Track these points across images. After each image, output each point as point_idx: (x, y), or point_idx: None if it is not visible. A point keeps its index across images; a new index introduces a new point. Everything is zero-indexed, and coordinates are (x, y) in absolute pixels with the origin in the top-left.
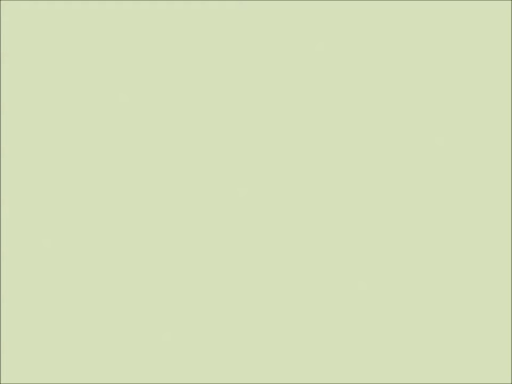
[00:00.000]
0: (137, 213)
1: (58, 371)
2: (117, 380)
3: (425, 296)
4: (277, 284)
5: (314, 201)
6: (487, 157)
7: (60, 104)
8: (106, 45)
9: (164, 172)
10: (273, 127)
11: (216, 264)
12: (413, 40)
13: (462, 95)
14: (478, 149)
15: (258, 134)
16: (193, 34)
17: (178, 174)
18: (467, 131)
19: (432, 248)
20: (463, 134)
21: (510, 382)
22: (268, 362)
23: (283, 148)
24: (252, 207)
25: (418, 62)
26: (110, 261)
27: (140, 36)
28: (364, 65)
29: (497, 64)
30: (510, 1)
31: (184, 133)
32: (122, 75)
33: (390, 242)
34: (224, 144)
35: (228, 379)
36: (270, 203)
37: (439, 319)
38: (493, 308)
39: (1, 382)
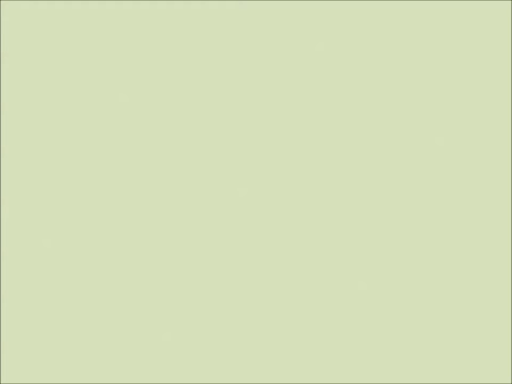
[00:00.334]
0: (137, 213)
1: (58, 371)
2: (117, 380)
3: (425, 296)
4: (277, 284)
5: (314, 201)
6: (487, 157)
7: (59, 104)
8: (106, 45)
9: (163, 172)
10: (273, 127)
11: (216, 264)
12: (413, 40)
13: (462, 95)
14: (478, 149)
15: (258, 134)
16: (193, 34)
17: (178, 174)
18: (467, 131)
19: (432, 248)
20: (463, 134)
21: (510, 382)
22: (268, 362)
23: (283, 148)
24: (252, 207)
25: (418, 62)
26: (110, 261)
27: (140, 36)
28: (364, 65)
29: (497, 64)
30: (510, 1)
31: (184, 133)
32: (122, 75)
33: (390, 242)
34: (224, 144)
35: (228, 379)
36: (270, 203)
37: (439, 319)
38: (493, 308)
39: (1, 382)
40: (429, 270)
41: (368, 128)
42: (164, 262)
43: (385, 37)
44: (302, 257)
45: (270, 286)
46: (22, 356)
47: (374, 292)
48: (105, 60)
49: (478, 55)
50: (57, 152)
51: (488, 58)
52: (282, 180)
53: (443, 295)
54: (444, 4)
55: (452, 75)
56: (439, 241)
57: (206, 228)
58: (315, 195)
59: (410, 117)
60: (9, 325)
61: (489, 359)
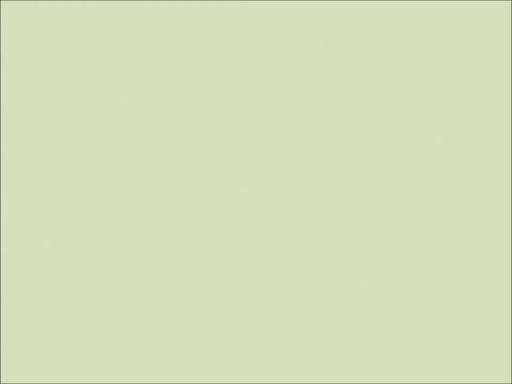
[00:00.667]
0: (137, 213)
1: (58, 371)
2: (117, 380)
3: (425, 296)
4: (277, 284)
5: (314, 201)
6: (487, 157)
7: (59, 104)
8: (106, 45)
9: (163, 172)
10: (273, 127)
11: (216, 264)
12: (413, 40)
13: (462, 95)
14: (478, 149)
15: (258, 134)
16: (193, 34)
17: (178, 174)
18: (467, 131)
19: (432, 248)
20: (463, 134)
21: (510, 382)
22: (268, 362)
23: (283, 148)
24: (252, 207)
25: (418, 62)
26: (110, 261)
27: (140, 36)
28: (364, 65)
29: (497, 64)
30: (510, 1)
31: (184, 133)
32: (122, 75)
33: (390, 242)
34: (224, 144)
35: (228, 379)
36: (270, 203)
37: (439, 319)
38: (493, 308)
39: (1, 382)
40: (429, 270)
41: (368, 128)
42: (164, 262)
43: (385, 37)
44: (302, 257)
45: (270, 286)
46: (22, 355)
47: (374, 292)
48: (105, 60)
49: (478, 55)
50: (57, 152)
51: (488, 58)
52: (282, 180)
53: (443, 295)
54: (444, 4)
55: (451, 75)
56: (439, 242)
57: (206, 228)
58: (315, 195)
59: (410, 117)
60: (9, 325)
61: (489, 359)
